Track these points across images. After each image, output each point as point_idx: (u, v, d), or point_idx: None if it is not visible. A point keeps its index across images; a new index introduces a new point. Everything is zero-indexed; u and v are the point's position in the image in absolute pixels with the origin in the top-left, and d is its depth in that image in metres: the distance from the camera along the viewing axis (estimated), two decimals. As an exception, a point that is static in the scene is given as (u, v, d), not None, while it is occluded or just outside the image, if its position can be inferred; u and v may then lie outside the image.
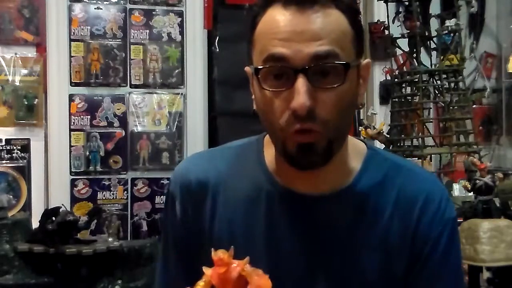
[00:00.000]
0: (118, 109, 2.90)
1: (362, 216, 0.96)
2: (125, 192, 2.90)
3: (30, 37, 2.83)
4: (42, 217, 2.35)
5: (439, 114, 2.64)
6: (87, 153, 2.86)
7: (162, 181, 2.93)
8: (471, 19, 3.54)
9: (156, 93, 2.95)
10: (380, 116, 3.09)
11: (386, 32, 2.59)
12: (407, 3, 2.54)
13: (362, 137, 2.51)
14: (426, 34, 2.49)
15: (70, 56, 2.85)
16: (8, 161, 2.78)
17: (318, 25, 0.86)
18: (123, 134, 2.90)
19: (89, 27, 2.87)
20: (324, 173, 0.94)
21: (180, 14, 2.98)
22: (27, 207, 2.79)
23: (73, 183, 2.85)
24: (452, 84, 2.47)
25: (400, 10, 2.85)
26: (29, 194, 2.80)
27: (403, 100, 2.52)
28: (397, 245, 0.96)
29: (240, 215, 0.99)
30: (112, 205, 2.88)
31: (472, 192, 2.10)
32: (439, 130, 2.69)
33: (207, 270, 0.78)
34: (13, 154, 2.78)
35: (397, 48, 2.58)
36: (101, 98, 2.88)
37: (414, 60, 2.47)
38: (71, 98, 2.85)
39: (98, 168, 2.87)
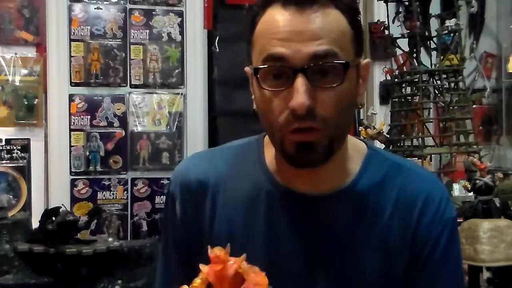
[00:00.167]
0: (118, 109, 2.89)
1: (362, 216, 0.96)
2: (125, 192, 2.89)
3: (30, 37, 2.83)
4: (42, 217, 2.35)
5: (439, 114, 2.64)
6: (87, 153, 2.86)
7: (162, 181, 2.93)
8: (471, 19, 3.53)
9: (156, 93, 2.94)
10: (380, 116, 3.08)
11: (386, 32, 2.58)
12: (407, 3, 2.54)
13: (362, 137, 2.51)
14: (426, 34, 2.49)
15: (70, 56, 2.85)
16: (8, 161, 2.78)
17: (317, 25, 0.87)
18: (123, 134, 2.90)
19: (89, 27, 2.87)
20: (324, 172, 0.95)
21: (180, 14, 2.98)
22: (27, 207, 2.78)
23: (73, 183, 2.84)
24: (452, 84, 2.46)
25: (400, 10, 2.85)
26: (29, 194, 2.80)
27: (403, 100, 2.51)
28: (397, 245, 0.96)
29: (240, 215, 0.99)
30: (112, 205, 2.88)
31: (472, 192, 2.10)
32: (439, 130, 2.69)
33: (203, 268, 0.78)
34: (13, 154, 2.78)
35: (397, 48, 2.57)
36: (101, 98, 2.88)
37: (414, 60, 2.47)
38: (71, 98, 2.85)
39: (98, 168, 2.87)
